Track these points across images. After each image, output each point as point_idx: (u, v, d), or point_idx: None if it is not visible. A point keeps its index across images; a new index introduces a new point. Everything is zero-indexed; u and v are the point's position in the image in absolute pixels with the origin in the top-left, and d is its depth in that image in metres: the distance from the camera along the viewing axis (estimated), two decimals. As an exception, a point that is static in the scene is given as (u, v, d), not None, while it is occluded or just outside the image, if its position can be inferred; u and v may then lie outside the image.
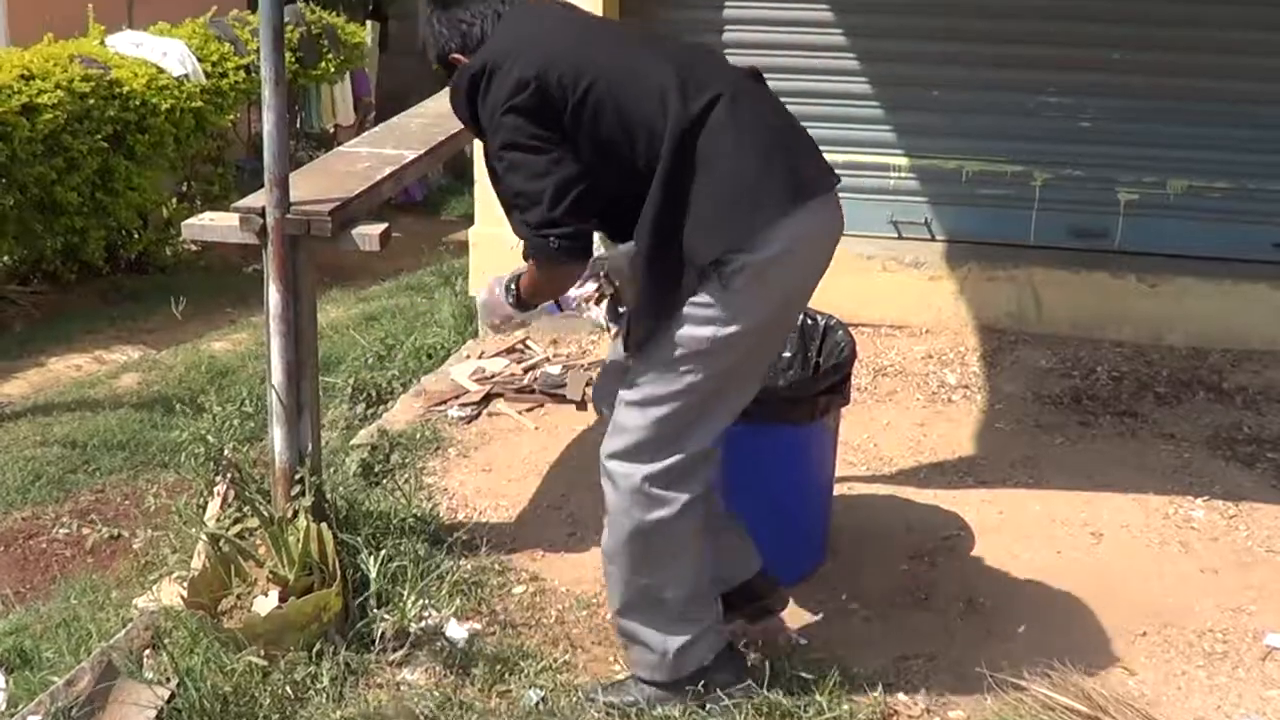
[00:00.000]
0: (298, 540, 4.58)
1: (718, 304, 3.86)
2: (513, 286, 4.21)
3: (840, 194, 7.26)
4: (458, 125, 5.79)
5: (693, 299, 3.88)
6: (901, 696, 4.36)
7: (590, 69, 3.88)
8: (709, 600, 4.24)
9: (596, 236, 4.09)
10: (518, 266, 4.20)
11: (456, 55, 4.11)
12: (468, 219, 7.78)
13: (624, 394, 4.05)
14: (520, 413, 6.49)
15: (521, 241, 4.00)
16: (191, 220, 5.02)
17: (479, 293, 4.50)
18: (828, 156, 7.31)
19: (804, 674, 4.32)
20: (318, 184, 4.94)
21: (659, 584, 4.09)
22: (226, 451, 5.12)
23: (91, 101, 10.44)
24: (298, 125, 13.63)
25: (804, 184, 3.98)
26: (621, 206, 3.92)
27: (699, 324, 3.88)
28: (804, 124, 7.41)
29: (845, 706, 4.23)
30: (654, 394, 3.97)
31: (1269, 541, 5.30)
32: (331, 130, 14.02)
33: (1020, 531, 5.37)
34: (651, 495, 3.99)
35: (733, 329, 3.88)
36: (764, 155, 3.91)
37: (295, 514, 4.68)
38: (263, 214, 4.61)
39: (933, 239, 7.49)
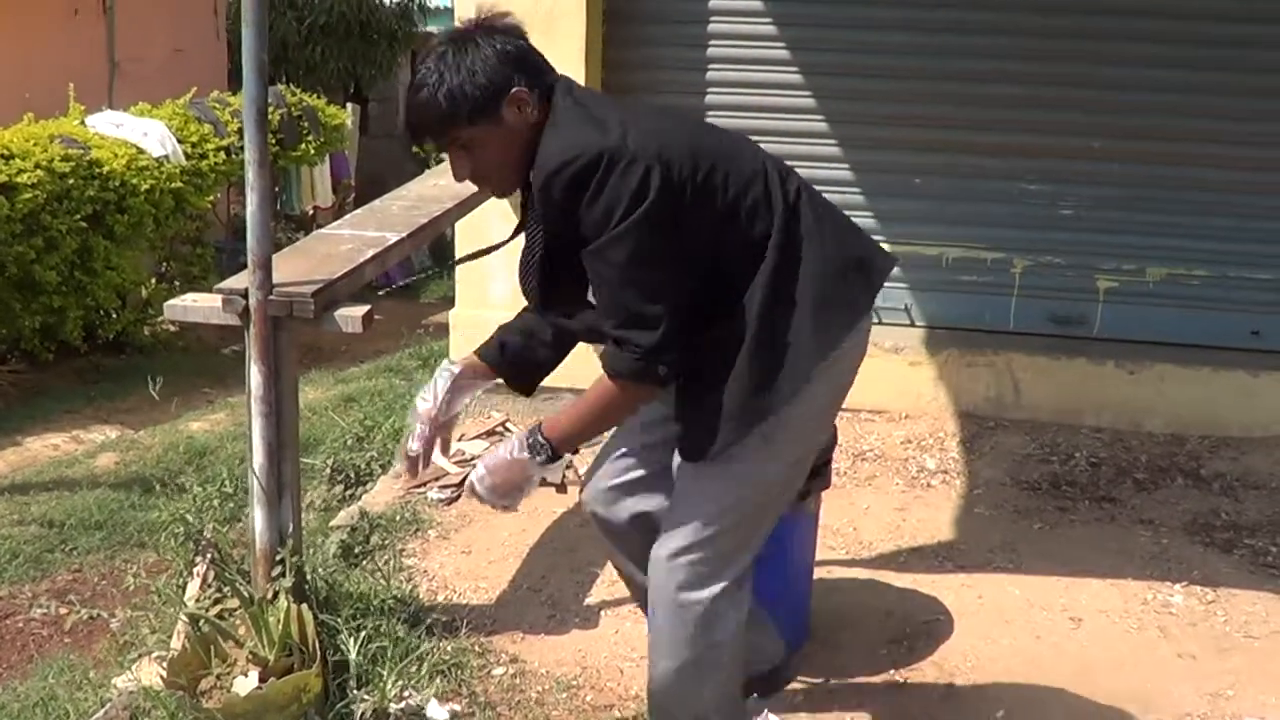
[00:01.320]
0: (278, 621, 4.56)
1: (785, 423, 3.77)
2: (541, 439, 3.82)
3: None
4: (440, 208, 5.87)
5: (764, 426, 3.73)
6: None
7: (705, 153, 3.68)
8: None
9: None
10: (536, 422, 3.87)
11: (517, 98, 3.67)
12: (447, 301, 7.81)
13: (689, 506, 3.85)
14: (500, 495, 6.46)
15: (606, 354, 3.69)
16: (174, 301, 5.01)
17: (476, 480, 3.93)
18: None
19: (784, 758, 4.32)
20: (300, 266, 4.94)
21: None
22: (206, 532, 5.11)
23: (71, 181, 10.48)
24: (277, 207, 13.67)
25: (869, 289, 3.92)
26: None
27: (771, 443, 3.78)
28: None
29: (826, 791, 4.24)
30: (720, 509, 3.81)
31: (1247, 627, 5.30)
32: (310, 212, 14.08)
33: (999, 616, 5.37)
34: (710, 611, 3.84)
35: (794, 447, 3.88)
36: (842, 260, 3.83)
37: (275, 595, 4.65)
38: (245, 295, 4.61)
39: (912, 324, 7.52)
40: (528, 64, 3.68)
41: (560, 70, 3.69)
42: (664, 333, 3.57)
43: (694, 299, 3.64)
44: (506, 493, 3.92)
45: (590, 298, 3.77)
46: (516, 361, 4.19)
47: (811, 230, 3.74)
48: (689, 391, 3.78)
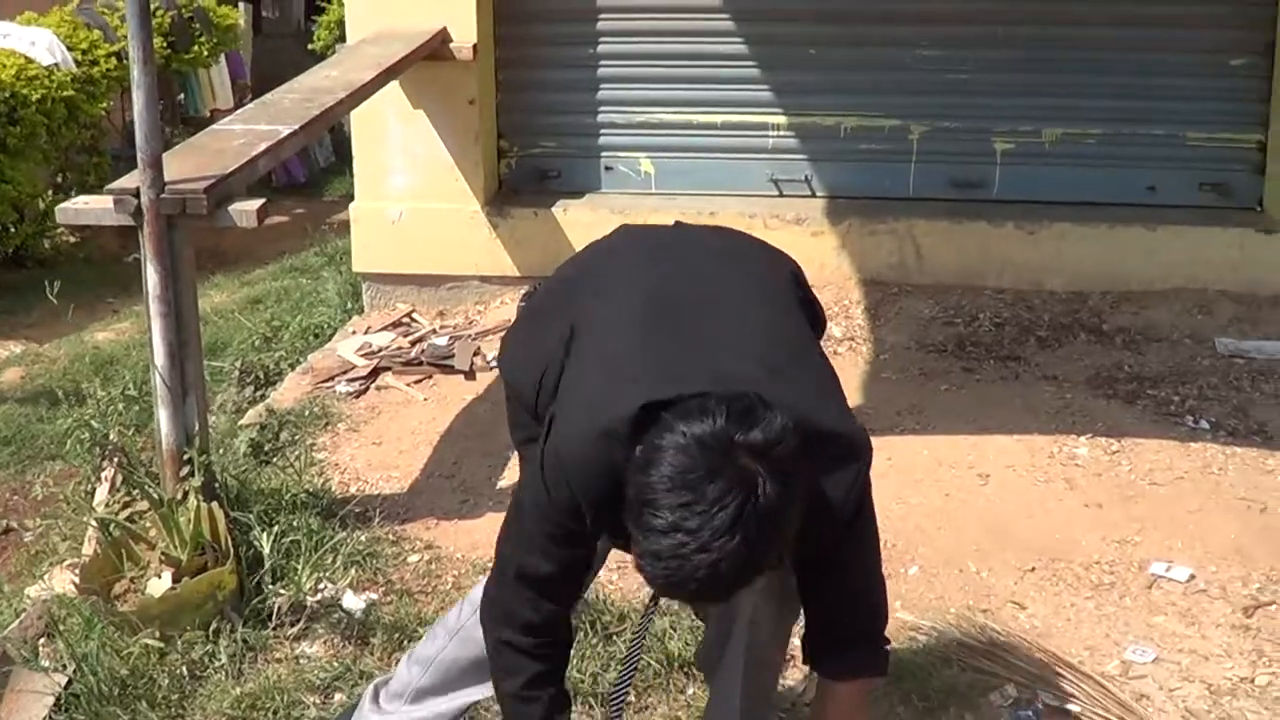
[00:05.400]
0: (189, 520, 4.57)
1: None
2: None
3: (720, 154, 7.33)
4: (333, 99, 5.82)
5: None
6: (795, 640, 4.40)
7: None
8: None
9: None
10: None
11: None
12: (350, 198, 7.75)
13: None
14: (408, 385, 6.47)
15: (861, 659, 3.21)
16: (66, 204, 4.96)
17: None
18: (706, 118, 7.40)
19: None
20: (192, 163, 4.91)
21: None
22: (112, 436, 5.08)
23: (-41, 94, 10.29)
24: (179, 110, 13.50)
25: None
26: None
27: None
28: (680, 86, 7.51)
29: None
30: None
31: (1151, 475, 5.39)
32: (209, 115, 13.90)
33: (909, 476, 5.42)
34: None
35: None
36: None
37: (185, 495, 4.65)
38: (137, 194, 4.59)
39: (813, 195, 7.53)
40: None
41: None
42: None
43: None
44: None
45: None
46: None
47: None
48: None
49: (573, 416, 2.97)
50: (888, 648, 3.23)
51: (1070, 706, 4.08)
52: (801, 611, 3.25)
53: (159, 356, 4.66)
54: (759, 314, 3.16)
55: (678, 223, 3.78)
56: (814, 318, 3.40)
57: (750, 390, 2.73)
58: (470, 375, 6.48)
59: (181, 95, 13.60)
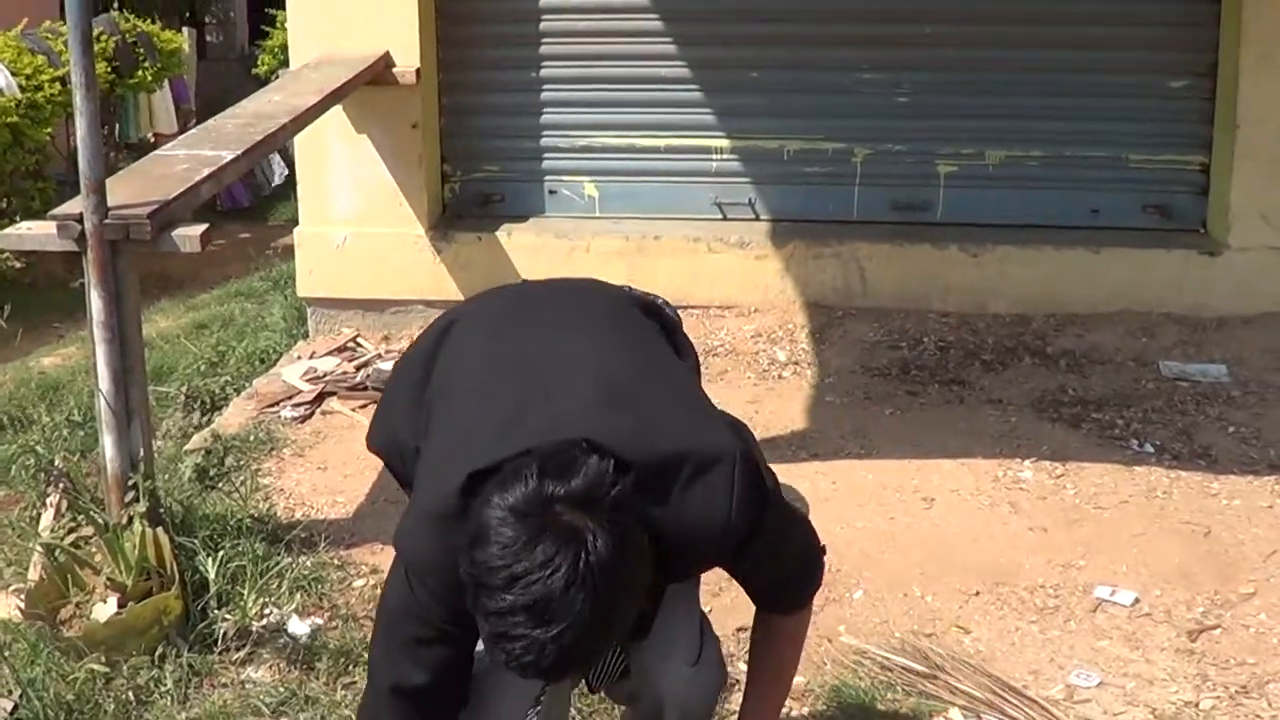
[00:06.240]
0: (134, 546, 4.55)
1: None
2: None
3: (664, 178, 7.36)
4: (275, 124, 5.82)
5: None
6: (741, 666, 4.41)
7: None
8: None
9: None
10: None
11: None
12: (295, 222, 7.75)
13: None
14: (354, 410, 6.46)
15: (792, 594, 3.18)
16: (8, 230, 4.97)
17: None
18: (649, 141, 7.45)
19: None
20: (135, 188, 4.89)
21: None
22: (57, 461, 5.06)
23: (-98, 119, 10.24)
24: (115, 137, 13.44)
25: None
26: None
27: None
28: (624, 110, 7.54)
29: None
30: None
31: (1095, 498, 5.41)
32: (152, 139, 13.85)
33: (854, 500, 5.44)
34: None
35: None
36: None
37: (130, 520, 4.64)
38: (80, 220, 4.57)
39: (757, 219, 7.56)
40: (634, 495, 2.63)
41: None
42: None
43: None
44: None
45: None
46: None
47: None
48: None
49: (411, 506, 2.89)
50: (823, 559, 3.17)
51: (1015, 729, 4.10)
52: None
53: (104, 382, 4.65)
54: (598, 342, 3.06)
55: (524, 281, 3.71)
56: (676, 345, 3.34)
57: (579, 435, 2.63)
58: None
59: (116, 119, 13.56)
